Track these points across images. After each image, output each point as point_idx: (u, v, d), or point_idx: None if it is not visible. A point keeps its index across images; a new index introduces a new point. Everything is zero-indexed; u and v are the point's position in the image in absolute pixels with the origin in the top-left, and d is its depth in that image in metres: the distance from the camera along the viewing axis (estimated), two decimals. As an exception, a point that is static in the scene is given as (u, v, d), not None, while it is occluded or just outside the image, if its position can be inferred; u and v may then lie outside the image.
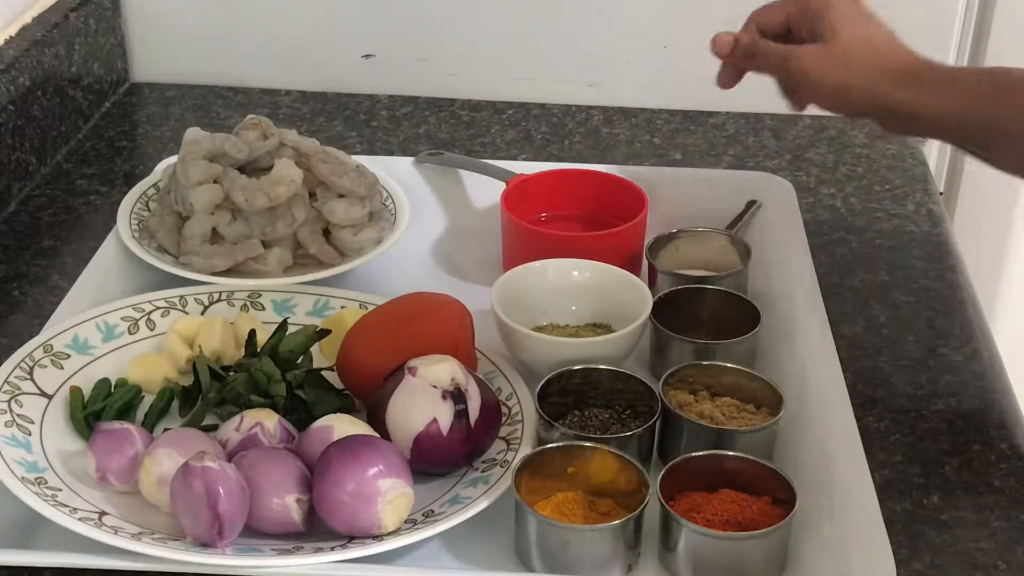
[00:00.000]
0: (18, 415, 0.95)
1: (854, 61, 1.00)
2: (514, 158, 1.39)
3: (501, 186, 1.21)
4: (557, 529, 0.86)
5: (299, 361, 1.01)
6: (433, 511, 0.90)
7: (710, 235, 1.17)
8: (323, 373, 1.00)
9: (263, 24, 1.54)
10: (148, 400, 1.01)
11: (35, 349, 1.01)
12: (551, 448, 0.91)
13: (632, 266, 1.13)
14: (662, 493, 0.87)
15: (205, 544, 0.85)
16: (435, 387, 0.92)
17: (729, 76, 1.08)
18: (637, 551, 0.88)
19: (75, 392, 0.99)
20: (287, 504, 0.87)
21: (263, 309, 1.09)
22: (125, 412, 0.99)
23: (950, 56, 1.52)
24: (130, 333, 1.06)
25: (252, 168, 1.17)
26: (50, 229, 1.26)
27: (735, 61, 1.07)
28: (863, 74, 0.99)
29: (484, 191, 1.26)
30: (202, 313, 1.08)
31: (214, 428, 0.95)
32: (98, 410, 0.98)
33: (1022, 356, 1.30)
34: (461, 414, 0.92)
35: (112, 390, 1.01)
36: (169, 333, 1.05)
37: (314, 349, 1.03)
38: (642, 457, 0.94)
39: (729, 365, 1.00)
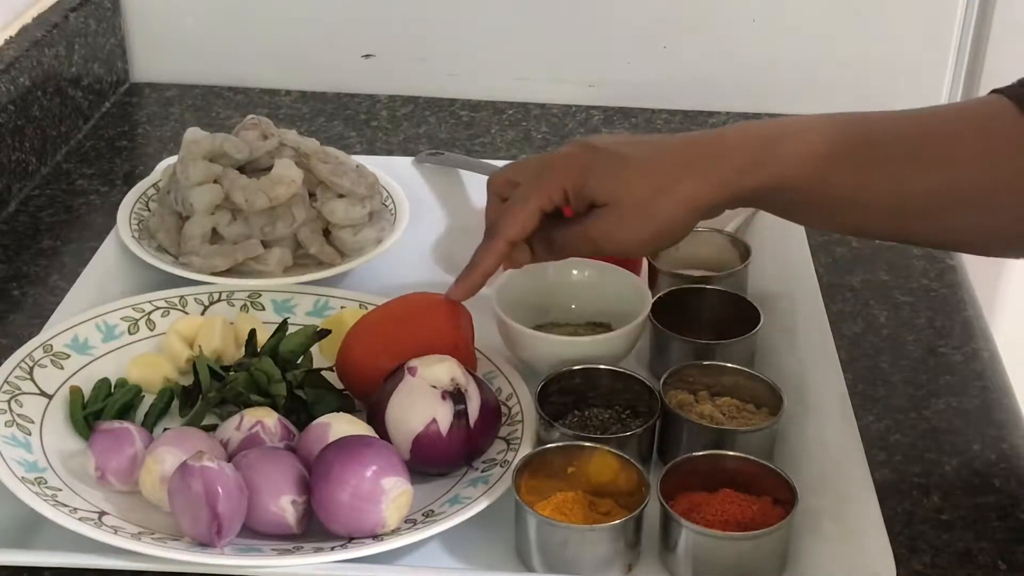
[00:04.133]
0: (18, 415, 0.95)
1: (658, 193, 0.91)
2: (514, 158, 1.39)
3: (501, 186, 1.21)
4: (557, 529, 0.86)
5: (299, 361, 1.01)
6: (433, 511, 0.90)
7: (710, 235, 1.17)
8: (323, 373, 1.00)
9: (263, 24, 1.54)
10: (148, 400, 1.01)
11: (35, 349, 1.01)
12: (551, 448, 0.91)
13: (632, 266, 1.13)
14: (662, 493, 0.87)
15: (204, 544, 0.85)
16: (435, 387, 0.92)
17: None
18: (637, 551, 0.88)
19: (75, 392, 0.99)
20: (282, 506, 0.87)
21: (263, 309, 1.09)
22: (125, 412, 0.99)
23: (950, 56, 1.52)
24: (130, 333, 1.06)
25: (252, 168, 1.17)
26: (50, 229, 1.26)
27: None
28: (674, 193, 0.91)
29: (484, 191, 1.25)
30: (202, 313, 1.08)
31: (214, 428, 0.95)
32: (98, 410, 0.98)
33: (1022, 356, 1.30)
34: (461, 414, 0.92)
35: (112, 390, 1.01)
36: (169, 333, 1.05)
37: (314, 349, 1.03)
38: (642, 457, 0.94)
39: (729, 365, 1.00)
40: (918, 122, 0.90)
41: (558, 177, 0.93)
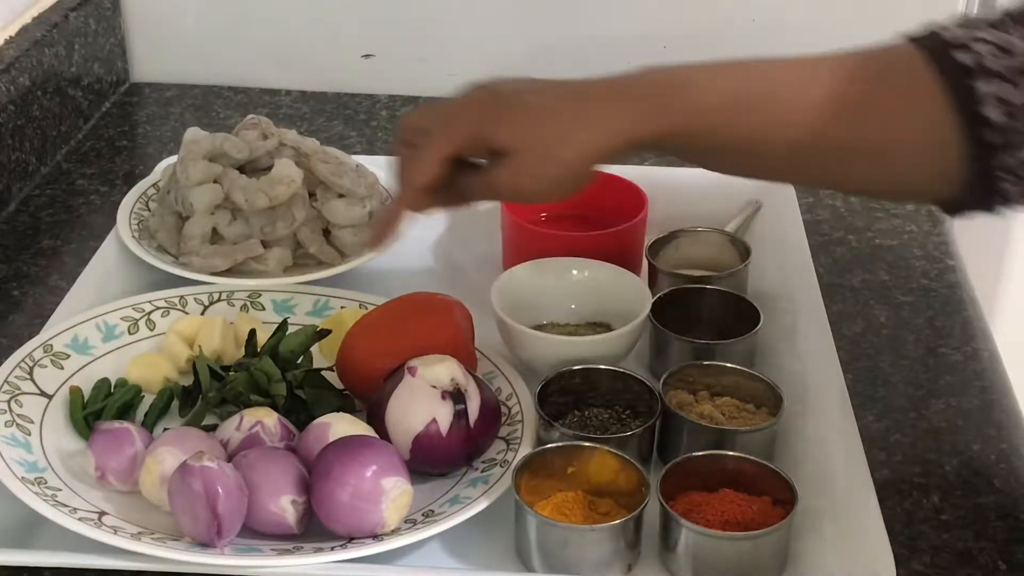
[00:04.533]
0: (18, 415, 0.95)
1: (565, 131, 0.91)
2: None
3: (501, 186, 1.21)
4: (557, 529, 0.86)
5: (299, 361, 1.01)
6: (433, 511, 0.90)
7: (710, 235, 1.17)
8: (323, 373, 1.00)
9: (263, 24, 1.54)
10: (148, 400, 1.01)
11: (35, 349, 1.01)
12: (551, 448, 0.91)
13: (632, 266, 1.13)
14: (662, 493, 0.87)
15: (204, 544, 0.85)
16: (435, 387, 0.92)
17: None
18: (637, 551, 0.88)
19: (75, 392, 0.99)
20: (282, 506, 0.87)
21: (263, 309, 1.09)
22: (125, 412, 0.99)
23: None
24: (130, 333, 1.06)
25: (252, 168, 1.17)
26: (50, 229, 1.26)
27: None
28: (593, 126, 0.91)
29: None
30: (202, 313, 1.08)
31: (214, 428, 0.95)
32: (98, 410, 0.98)
33: (1022, 356, 1.30)
34: (461, 414, 0.92)
35: (112, 390, 1.01)
36: (169, 333, 1.05)
37: (314, 349, 1.03)
38: (642, 457, 0.94)
39: (729, 365, 1.00)
40: (821, 71, 0.90)
41: (462, 124, 0.92)
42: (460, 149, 0.93)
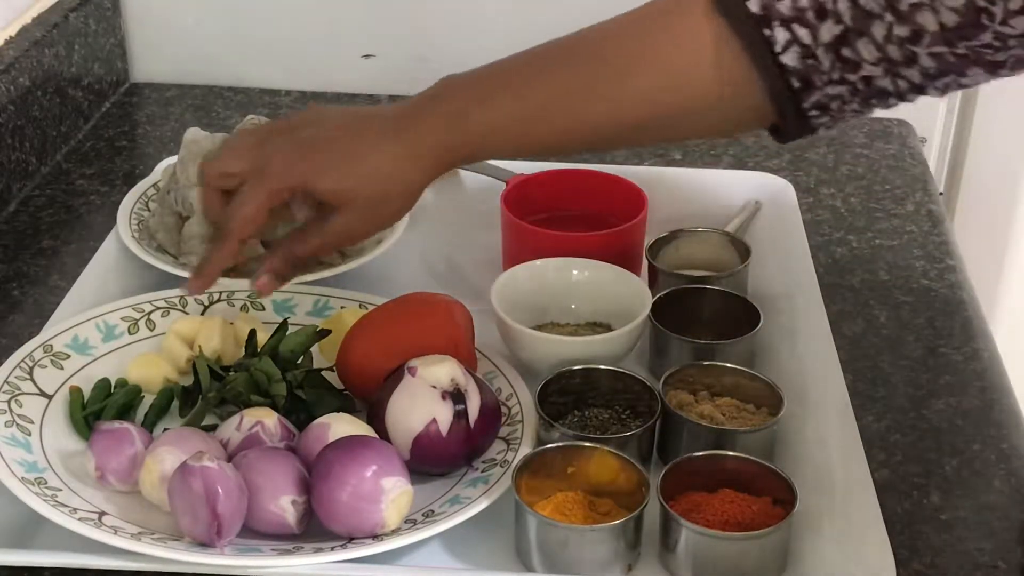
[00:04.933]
0: (18, 415, 0.95)
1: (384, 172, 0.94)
2: (514, 158, 1.39)
3: (501, 186, 1.21)
4: (557, 529, 0.86)
5: (299, 361, 1.01)
6: (433, 511, 0.90)
7: (710, 235, 1.17)
8: (323, 373, 1.00)
9: (263, 24, 1.54)
10: (148, 400, 1.01)
11: (35, 349, 1.01)
12: (551, 448, 0.91)
13: (632, 266, 1.13)
14: (662, 493, 0.87)
15: (204, 544, 0.85)
16: (435, 387, 0.92)
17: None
18: (637, 551, 0.88)
19: (75, 392, 0.99)
20: (282, 506, 0.87)
21: (263, 309, 1.09)
22: (125, 412, 0.99)
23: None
24: (130, 333, 1.06)
25: (252, 168, 1.17)
26: (50, 229, 1.26)
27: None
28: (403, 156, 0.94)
29: (484, 191, 1.26)
30: (202, 313, 1.08)
31: (214, 428, 0.95)
32: (98, 410, 0.98)
33: (1022, 356, 1.30)
34: (461, 414, 0.92)
35: (112, 390, 1.01)
36: (169, 333, 1.05)
37: (314, 349, 1.03)
38: (642, 457, 0.94)
39: (729, 365, 1.00)
40: (607, 55, 0.94)
41: (280, 179, 0.93)
42: (282, 199, 0.94)
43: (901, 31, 0.84)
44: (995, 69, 0.85)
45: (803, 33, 0.86)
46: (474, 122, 0.94)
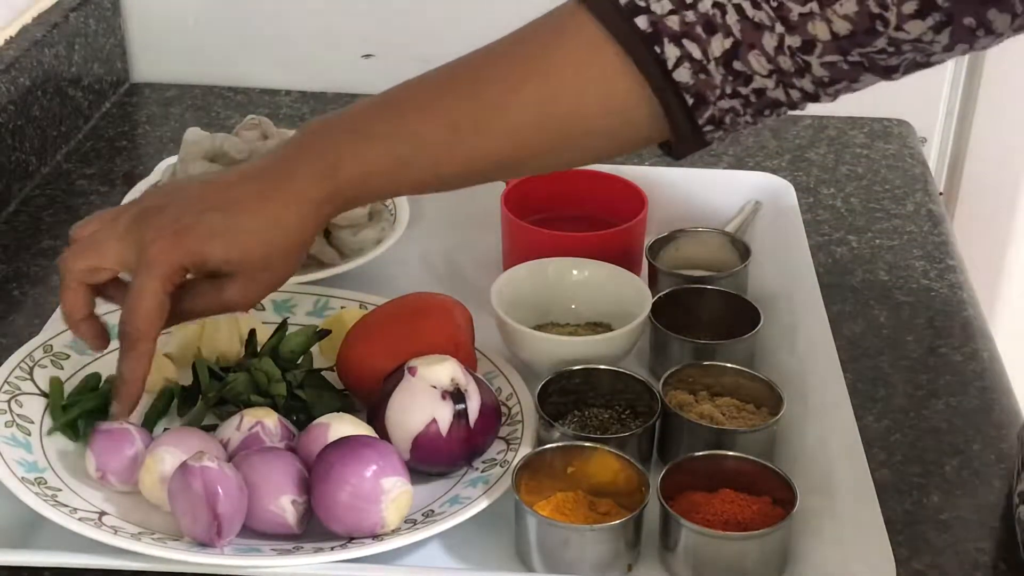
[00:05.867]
0: (18, 415, 0.95)
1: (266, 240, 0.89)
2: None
3: (501, 186, 1.21)
4: (557, 529, 0.86)
5: (299, 361, 1.01)
6: (433, 511, 0.90)
7: (710, 235, 1.17)
8: (323, 373, 1.00)
9: (263, 24, 1.54)
10: (148, 400, 1.01)
11: (35, 349, 1.01)
12: (551, 448, 0.91)
13: (632, 266, 1.13)
14: (662, 493, 0.87)
15: (204, 544, 0.85)
16: (435, 387, 0.92)
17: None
18: (637, 551, 0.88)
19: (55, 383, 0.98)
20: (282, 506, 0.87)
21: (263, 309, 1.09)
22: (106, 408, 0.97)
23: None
24: (130, 333, 1.05)
25: (252, 168, 1.17)
26: (50, 229, 1.26)
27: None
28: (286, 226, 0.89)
29: (484, 191, 1.24)
30: (202, 313, 1.08)
31: (214, 428, 0.95)
32: (85, 402, 0.96)
33: (1022, 356, 1.30)
34: (461, 414, 0.92)
35: (101, 384, 1.00)
36: (169, 333, 1.05)
37: (314, 349, 1.03)
38: (642, 457, 0.94)
39: (729, 365, 1.00)
40: (485, 62, 0.94)
41: (168, 262, 0.87)
42: (177, 281, 0.88)
43: (792, 41, 0.83)
44: (888, 74, 0.85)
45: (693, 48, 0.84)
46: (346, 169, 0.88)
